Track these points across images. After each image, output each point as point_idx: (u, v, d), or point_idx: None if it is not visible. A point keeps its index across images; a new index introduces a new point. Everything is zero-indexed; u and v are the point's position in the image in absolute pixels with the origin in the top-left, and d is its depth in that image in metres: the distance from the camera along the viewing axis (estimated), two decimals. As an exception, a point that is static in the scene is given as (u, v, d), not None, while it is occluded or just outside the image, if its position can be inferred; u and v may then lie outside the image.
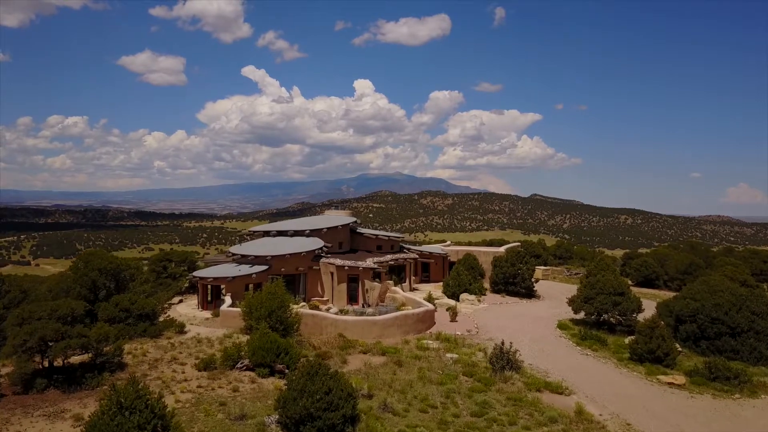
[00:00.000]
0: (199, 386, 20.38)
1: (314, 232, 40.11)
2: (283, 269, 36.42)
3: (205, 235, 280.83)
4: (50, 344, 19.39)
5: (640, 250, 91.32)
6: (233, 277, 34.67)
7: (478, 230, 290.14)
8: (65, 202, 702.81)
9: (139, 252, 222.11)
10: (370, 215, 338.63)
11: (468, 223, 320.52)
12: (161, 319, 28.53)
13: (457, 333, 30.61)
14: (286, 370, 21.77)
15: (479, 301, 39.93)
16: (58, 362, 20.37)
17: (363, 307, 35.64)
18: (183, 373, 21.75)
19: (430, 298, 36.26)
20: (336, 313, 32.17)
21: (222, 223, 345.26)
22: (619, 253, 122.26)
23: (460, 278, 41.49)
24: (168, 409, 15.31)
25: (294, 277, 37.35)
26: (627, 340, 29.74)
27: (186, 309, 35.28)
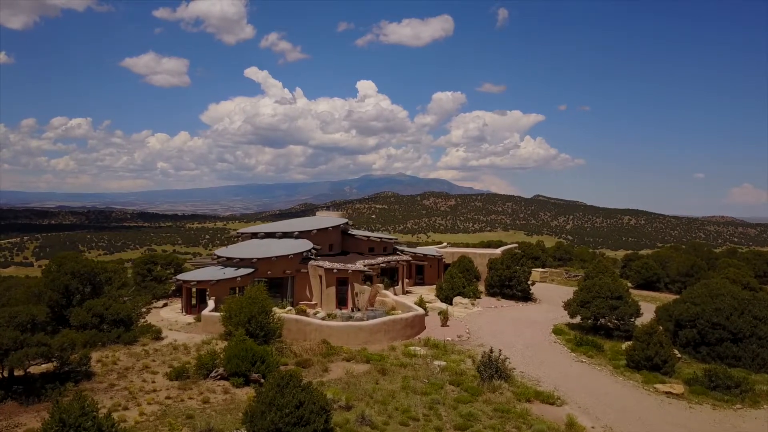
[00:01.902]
0: (167, 397, 19.32)
1: (303, 234, 39.02)
2: (269, 272, 35.36)
3: (207, 237, 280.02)
4: (10, 353, 18.35)
5: (643, 252, 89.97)
6: (217, 281, 33.63)
7: (481, 231, 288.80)
8: (69, 204, 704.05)
9: (141, 253, 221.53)
10: (373, 216, 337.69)
11: (471, 224, 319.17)
12: (139, 324, 27.45)
13: (447, 339, 29.49)
14: (262, 380, 20.70)
15: (473, 304, 38.77)
16: (19, 372, 19.34)
17: (352, 311, 34.56)
18: (153, 383, 20.69)
19: (421, 302, 35.12)
20: (323, 318, 31.12)
21: (225, 225, 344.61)
22: (622, 254, 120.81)
23: (453, 281, 40.35)
24: (121, 425, 14.30)
25: (281, 280, 36.28)
26: (624, 345, 28.58)
27: (169, 313, 34.26)
